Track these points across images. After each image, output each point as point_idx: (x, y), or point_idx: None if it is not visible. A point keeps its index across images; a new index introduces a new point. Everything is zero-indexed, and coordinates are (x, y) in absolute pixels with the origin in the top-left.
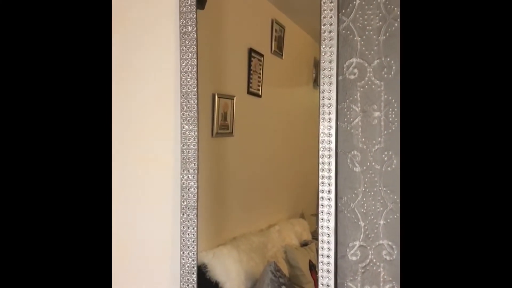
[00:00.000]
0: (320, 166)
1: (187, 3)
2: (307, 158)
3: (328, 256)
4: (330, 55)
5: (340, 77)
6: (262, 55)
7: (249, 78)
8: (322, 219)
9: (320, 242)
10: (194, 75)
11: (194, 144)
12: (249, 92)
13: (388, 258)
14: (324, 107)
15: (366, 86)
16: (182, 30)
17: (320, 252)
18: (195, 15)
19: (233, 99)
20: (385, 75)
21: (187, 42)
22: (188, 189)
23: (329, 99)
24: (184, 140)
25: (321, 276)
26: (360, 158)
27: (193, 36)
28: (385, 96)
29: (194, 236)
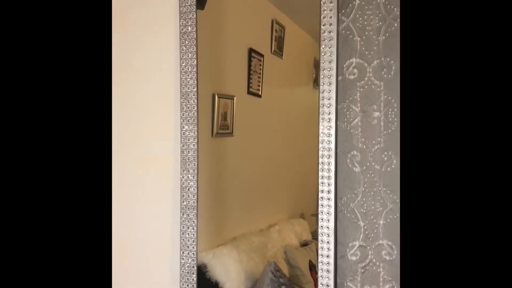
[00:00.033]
0: (320, 166)
1: (187, 3)
2: (307, 158)
3: (327, 256)
4: (329, 55)
5: (339, 77)
6: (262, 55)
7: (249, 78)
8: (322, 219)
9: (319, 242)
10: (194, 75)
11: (194, 144)
12: (249, 92)
13: (387, 258)
14: (324, 107)
15: (366, 86)
16: (182, 30)
17: (319, 252)
18: (195, 15)
19: (233, 99)
20: (385, 75)
21: (187, 42)
22: (188, 189)
23: (328, 99)
24: (184, 140)
25: (321, 276)
26: (360, 158)
27: (193, 36)
28: (385, 96)
29: (194, 236)
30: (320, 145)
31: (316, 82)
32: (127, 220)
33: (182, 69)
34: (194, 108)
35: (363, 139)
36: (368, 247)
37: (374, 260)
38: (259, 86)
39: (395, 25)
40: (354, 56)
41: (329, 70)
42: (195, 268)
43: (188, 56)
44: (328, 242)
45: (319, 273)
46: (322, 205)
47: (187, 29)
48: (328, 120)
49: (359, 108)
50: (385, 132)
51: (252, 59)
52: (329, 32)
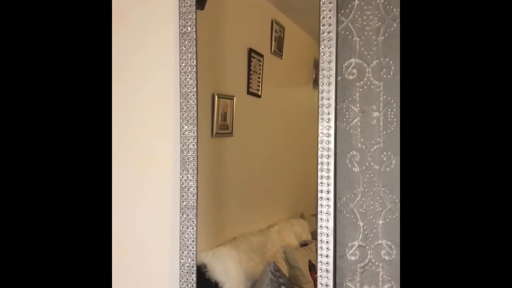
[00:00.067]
0: (319, 166)
1: (187, 3)
2: (307, 158)
3: (327, 256)
4: (329, 55)
5: (339, 78)
6: (262, 56)
7: (249, 79)
8: (321, 219)
9: (319, 242)
10: (193, 75)
11: (193, 144)
12: (249, 92)
13: (387, 258)
14: (323, 107)
15: (365, 87)
16: (182, 30)
17: (319, 252)
18: (194, 16)
19: (233, 99)
20: (384, 76)
21: (186, 42)
22: (188, 189)
23: (328, 100)
24: (183, 140)
25: (320, 276)
26: (359, 158)
27: (193, 36)
28: (384, 97)
29: (193, 236)
30: (320, 145)
31: (316, 82)
32: (127, 220)
33: (182, 69)
34: (193, 108)
35: (362, 139)
36: (367, 247)
37: (373, 260)
38: (259, 86)
39: (394, 25)
40: (353, 57)
41: (328, 71)
42: (195, 268)
43: (187, 56)
44: (327, 242)
45: (318, 273)
46: (321, 205)
47: (187, 30)
48: (327, 120)
49: (358, 108)
50: (384, 132)
51: (252, 59)
52: (328, 32)
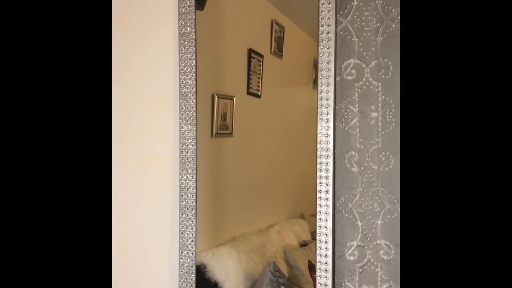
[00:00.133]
0: (318, 167)
1: (186, 4)
2: (306, 159)
3: (326, 256)
4: (328, 56)
5: (338, 78)
6: (261, 56)
7: (248, 79)
8: (320, 219)
9: (318, 242)
10: (193, 76)
11: (192, 144)
12: (248, 93)
13: (385, 257)
14: (322, 107)
15: (364, 87)
16: (181, 31)
17: (318, 252)
18: (194, 16)
19: (233, 100)
20: (383, 76)
21: (186, 43)
22: (187, 189)
23: (327, 100)
24: (183, 140)
25: (319, 276)
26: (358, 159)
27: (192, 37)
28: (383, 97)
29: (192, 236)
30: (318, 145)
31: (315, 83)
32: (127, 220)
33: (181, 70)
34: (193, 108)
35: (361, 140)
36: (366, 247)
37: (372, 259)
38: (258, 86)
39: (393, 26)
40: (352, 57)
41: (327, 71)
42: (194, 268)
43: (187, 56)
44: (326, 242)
45: (317, 273)
46: (320, 205)
47: (186, 30)
48: (326, 120)
49: (357, 109)
50: (383, 132)
51: (251, 59)
52: (327, 33)
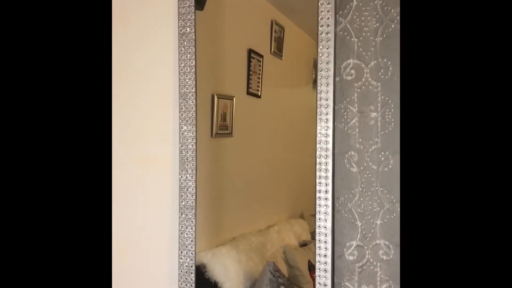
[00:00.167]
0: (318, 167)
1: (186, 4)
2: (306, 159)
3: (325, 256)
4: (327, 56)
5: (337, 78)
6: (261, 56)
7: (248, 79)
8: (320, 219)
9: (317, 242)
10: (192, 76)
11: (192, 145)
12: (248, 93)
13: (385, 257)
14: (322, 107)
15: (363, 87)
16: (181, 31)
17: (317, 251)
18: (193, 16)
19: (233, 100)
20: (382, 76)
21: (185, 43)
22: (187, 189)
23: (326, 100)
24: (182, 141)
25: (319, 276)
26: (357, 159)
27: (192, 37)
28: (382, 97)
29: (192, 235)
30: (318, 146)
31: (315, 83)
32: (127, 220)
33: (181, 70)
34: (192, 108)
35: (360, 140)
36: (366, 247)
37: (372, 259)
38: (258, 86)
39: (392, 26)
40: (352, 57)
41: (327, 71)
42: (194, 267)
43: (186, 57)
44: (325, 242)
45: (317, 273)
46: (319, 205)
47: (186, 30)
48: (325, 120)
49: (357, 109)
50: (382, 132)
51: (251, 59)
52: (327, 33)
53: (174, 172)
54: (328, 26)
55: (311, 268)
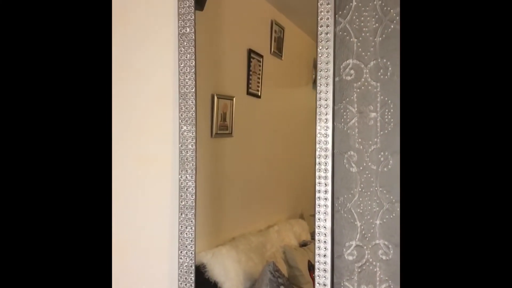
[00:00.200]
0: (317, 167)
1: (186, 4)
2: (306, 159)
3: (324, 256)
4: (326, 56)
5: (337, 78)
6: (261, 56)
7: (248, 79)
8: (319, 219)
9: (316, 242)
10: (192, 76)
11: (192, 145)
12: (248, 93)
13: (384, 257)
14: (321, 107)
15: (363, 87)
16: (181, 31)
17: (316, 251)
18: (193, 17)
19: (233, 100)
20: (381, 76)
21: (185, 43)
22: (186, 189)
23: (325, 100)
24: (182, 141)
25: (318, 276)
26: (357, 159)
27: (191, 37)
28: (381, 97)
29: (192, 235)
30: (317, 146)
31: (315, 83)
32: (127, 220)
33: (181, 70)
34: (192, 108)
35: (359, 140)
36: (365, 247)
37: (371, 259)
38: (258, 86)
39: (392, 26)
40: (351, 57)
41: (326, 71)
42: (193, 267)
43: (186, 57)
44: (325, 242)
45: (316, 273)
46: (319, 205)
47: (186, 30)
48: (325, 120)
49: (356, 109)
50: (381, 132)
51: (251, 59)
52: (326, 33)
53: (174, 172)
54: (327, 26)
55: (311, 268)
